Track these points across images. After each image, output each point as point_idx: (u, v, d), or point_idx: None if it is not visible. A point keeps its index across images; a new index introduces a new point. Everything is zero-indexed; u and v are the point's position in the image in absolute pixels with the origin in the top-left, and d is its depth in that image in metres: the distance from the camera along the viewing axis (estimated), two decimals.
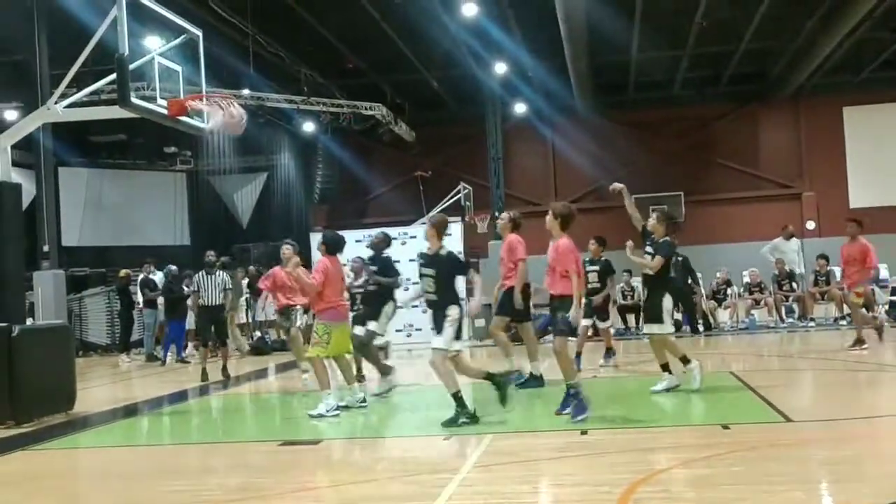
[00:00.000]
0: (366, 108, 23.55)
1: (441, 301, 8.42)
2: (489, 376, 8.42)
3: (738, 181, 27.56)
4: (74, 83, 11.04)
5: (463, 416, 8.12)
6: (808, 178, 27.39)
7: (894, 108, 26.66)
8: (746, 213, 26.70)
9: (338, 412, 9.13)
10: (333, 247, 9.58)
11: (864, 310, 13.65)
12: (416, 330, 18.37)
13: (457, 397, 8.18)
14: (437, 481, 6.04)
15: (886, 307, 18.28)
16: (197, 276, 13.63)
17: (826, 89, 26.44)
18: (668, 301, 9.52)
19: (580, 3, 17.36)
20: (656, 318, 9.50)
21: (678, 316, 18.27)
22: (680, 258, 17.93)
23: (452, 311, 8.35)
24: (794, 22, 21.62)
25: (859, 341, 12.79)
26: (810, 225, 26.45)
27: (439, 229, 8.79)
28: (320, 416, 9.01)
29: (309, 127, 26.04)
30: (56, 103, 10.21)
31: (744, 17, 20.93)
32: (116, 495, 6.51)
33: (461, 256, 8.75)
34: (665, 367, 9.58)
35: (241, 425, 9.45)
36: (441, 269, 8.57)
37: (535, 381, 10.55)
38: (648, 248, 9.59)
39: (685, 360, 9.61)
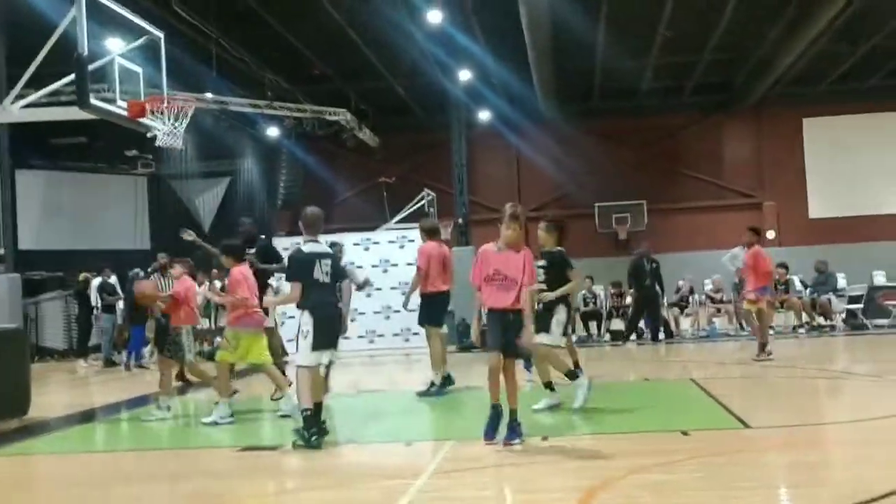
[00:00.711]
0: (329, 114, 23.50)
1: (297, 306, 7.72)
2: (315, 407, 7.60)
3: (701, 190, 27.91)
4: (32, 83, 10.88)
5: (301, 438, 7.44)
6: (769, 187, 27.79)
7: (852, 120, 27.17)
8: (709, 221, 27.01)
9: (232, 419, 9.11)
10: (240, 256, 9.46)
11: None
12: (379, 336, 18.33)
13: (304, 416, 7.47)
14: (397, 487, 6.01)
15: (843, 315, 18.53)
16: (152, 279, 13.48)
17: (787, 100, 26.87)
18: (561, 313, 8.87)
19: (545, 10, 17.48)
20: (545, 327, 8.79)
21: (640, 323, 18.47)
22: (654, 264, 18.14)
23: (302, 320, 7.55)
24: (756, 33, 21.93)
25: (762, 346, 12.84)
26: (770, 234, 26.81)
27: (304, 222, 8.05)
28: (214, 423, 9.00)
29: (273, 132, 25.96)
30: (12, 104, 10.05)
31: (707, 28, 21.20)
32: (71, 502, 6.39)
33: (299, 254, 7.74)
34: (548, 385, 9.00)
35: (199, 431, 9.34)
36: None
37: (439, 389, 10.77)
38: (542, 262, 8.87)
39: (572, 376, 9.02)
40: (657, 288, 18.15)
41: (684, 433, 7.44)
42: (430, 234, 11.18)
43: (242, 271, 9.22)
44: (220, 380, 9.21)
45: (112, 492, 6.52)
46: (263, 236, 10.90)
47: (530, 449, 7.18)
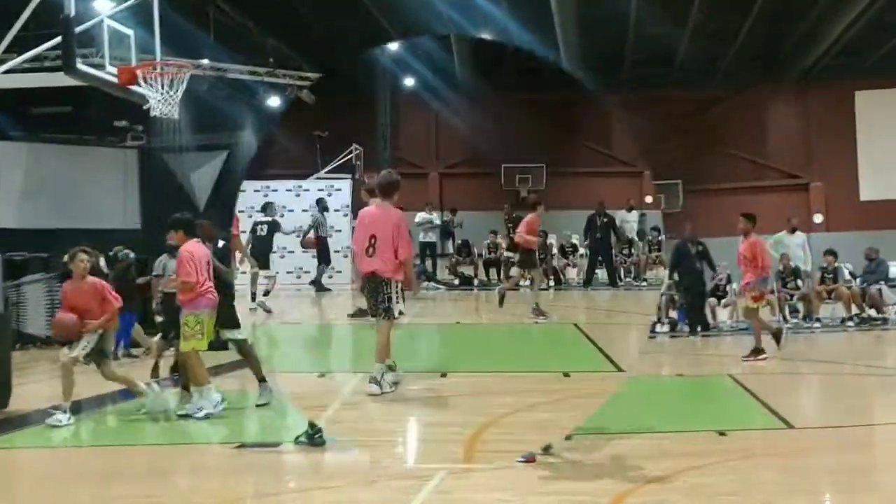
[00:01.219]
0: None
1: None
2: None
3: (741, 170, 27.73)
4: (15, 48, 10.86)
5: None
6: (817, 167, 27.54)
7: None
8: (750, 204, 26.51)
9: (223, 405, 9.05)
10: (192, 230, 9.26)
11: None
12: (306, 272, 20.90)
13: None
14: (409, 487, 6.05)
15: None
16: (161, 258, 13.51)
17: (837, 72, 26.56)
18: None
19: None
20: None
21: (673, 314, 18.34)
22: (700, 247, 18.05)
23: None
24: (802, 2, 21.71)
25: (756, 351, 12.77)
26: (818, 218, 26.64)
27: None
28: (207, 415, 8.91)
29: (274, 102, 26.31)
30: None
31: None
32: (53, 501, 6.43)
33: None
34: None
35: (194, 426, 9.36)
36: None
37: None
38: None
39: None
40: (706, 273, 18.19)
41: (721, 433, 7.43)
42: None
43: (189, 249, 9.01)
44: (194, 369, 9.10)
45: (97, 490, 6.55)
46: (222, 243, 10.74)
47: (431, 384, 7.23)
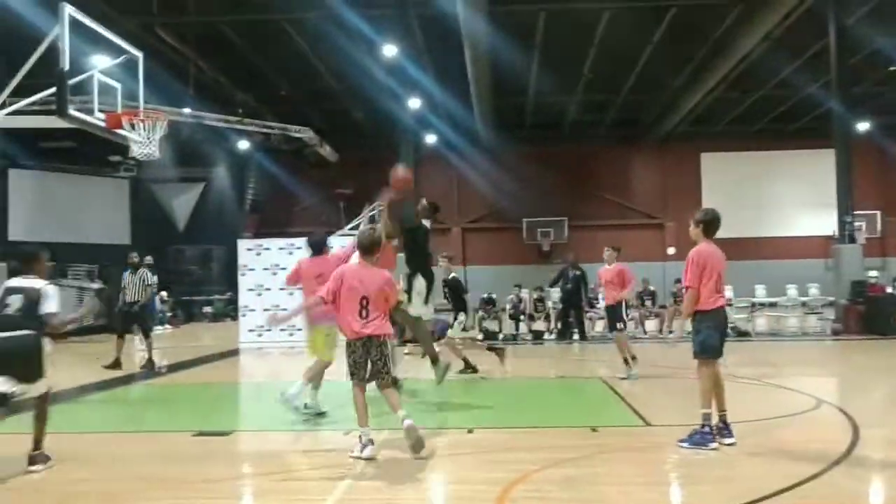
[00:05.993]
0: (294, 131, 22.99)
1: None
2: None
3: (612, 210, 28.02)
4: (22, 91, 10.24)
5: None
6: (671, 210, 28.00)
7: (741, 156, 27.61)
8: (619, 237, 26.96)
9: None
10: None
11: None
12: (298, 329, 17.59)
13: None
14: (333, 474, 5.70)
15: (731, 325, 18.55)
16: (125, 274, 13.06)
17: (688, 137, 27.13)
18: None
19: (485, 50, 17.32)
20: None
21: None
22: (578, 271, 17.90)
23: None
24: (664, 80, 22.04)
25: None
26: (671, 251, 27.03)
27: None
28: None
29: (243, 144, 25.37)
30: None
31: (623, 73, 21.25)
32: (26, 484, 5.91)
33: None
34: None
35: (156, 415, 8.83)
36: None
37: None
38: None
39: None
40: (580, 293, 17.94)
41: (593, 429, 7.24)
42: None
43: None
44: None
45: (62, 474, 6.05)
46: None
47: (457, 440, 6.91)
